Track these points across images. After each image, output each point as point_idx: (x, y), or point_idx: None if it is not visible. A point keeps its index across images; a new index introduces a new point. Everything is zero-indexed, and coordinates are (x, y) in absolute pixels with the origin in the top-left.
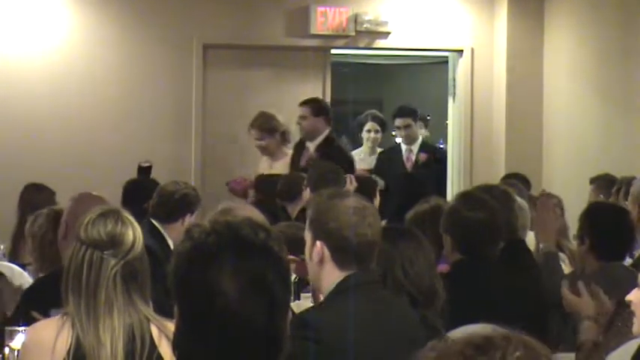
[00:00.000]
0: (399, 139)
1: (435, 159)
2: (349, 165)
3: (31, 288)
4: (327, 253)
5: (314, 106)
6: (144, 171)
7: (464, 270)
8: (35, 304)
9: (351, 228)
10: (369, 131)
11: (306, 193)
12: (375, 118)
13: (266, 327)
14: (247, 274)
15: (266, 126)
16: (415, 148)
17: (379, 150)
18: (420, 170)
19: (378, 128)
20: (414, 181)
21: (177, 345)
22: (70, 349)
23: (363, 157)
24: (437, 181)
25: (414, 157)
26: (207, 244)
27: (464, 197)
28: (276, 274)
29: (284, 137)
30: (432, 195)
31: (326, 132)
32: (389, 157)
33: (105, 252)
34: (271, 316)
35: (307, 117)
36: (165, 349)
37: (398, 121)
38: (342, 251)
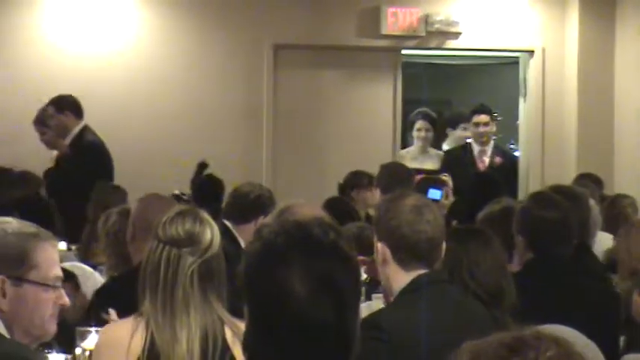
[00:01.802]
0: (469, 139)
1: (509, 166)
2: (101, 160)
3: (102, 288)
4: (388, 252)
5: (57, 102)
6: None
7: (535, 269)
8: (106, 304)
9: (408, 225)
10: (419, 130)
11: (376, 194)
12: (425, 117)
13: (337, 327)
14: (317, 274)
15: (41, 119)
16: (489, 149)
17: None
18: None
19: (429, 127)
20: (487, 181)
21: (247, 346)
22: (144, 349)
23: (414, 157)
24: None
25: (487, 160)
26: (276, 244)
27: (536, 197)
28: (346, 273)
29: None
30: (504, 196)
31: (78, 127)
32: (458, 157)
33: (183, 249)
34: (341, 316)
35: (53, 115)
36: (238, 351)
37: (477, 117)
38: (401, 250)
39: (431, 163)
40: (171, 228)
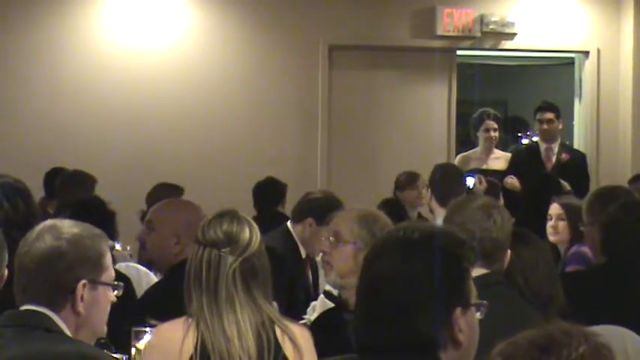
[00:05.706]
0: (535, 137)
1: (576, 163)
2: None
3: (148, 293)
4: None
5: None
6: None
7: (608, 272)
8: (152, 309)
9: (474, 222)
10: (487, 130)
11: (427, 194)
12: (493, 117)
13: (410, 317)
14: (406, 268)
15: None
16: (555, 147)
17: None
18: (560, 171)
19: (497, 127)
20: (552, 182)
21: (353, 328)
22: (196, 350)
23: (478, 157)
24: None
25: (554, 157)
26: (376, 245)
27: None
28: (431, 267)
29: None
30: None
31: None
32: (525, 156)
33: (222, 250)
34: (416, 308)
35: None
36: (289, 350)
37: (542, 115)
38: None
39: (497, 164)
40: (210, 230)
